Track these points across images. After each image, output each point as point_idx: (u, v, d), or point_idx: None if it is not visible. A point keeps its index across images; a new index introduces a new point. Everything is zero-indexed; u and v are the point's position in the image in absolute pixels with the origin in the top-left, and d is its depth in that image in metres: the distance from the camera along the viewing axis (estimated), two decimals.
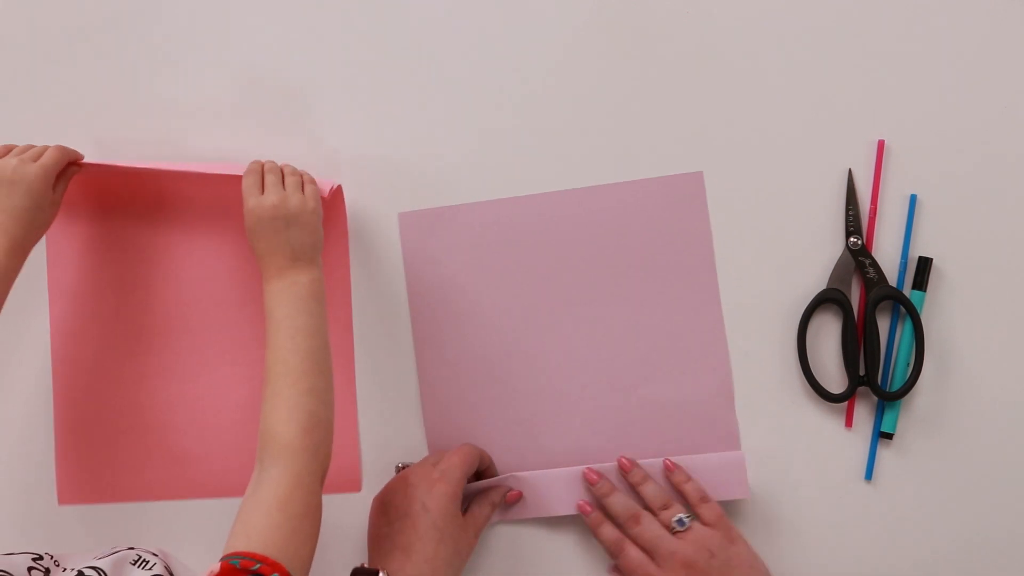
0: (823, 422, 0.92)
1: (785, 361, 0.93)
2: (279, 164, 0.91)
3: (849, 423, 0.92)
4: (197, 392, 0.95)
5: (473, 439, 0.93)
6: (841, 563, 0.92)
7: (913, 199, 0.92)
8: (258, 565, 0.71)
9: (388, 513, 0.85)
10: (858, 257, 0.92)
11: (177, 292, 0.96)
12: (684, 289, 0.93)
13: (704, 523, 0.88)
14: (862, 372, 0.91)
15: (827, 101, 0.93)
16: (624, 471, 0.91)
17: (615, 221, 0.94)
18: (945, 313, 0.92)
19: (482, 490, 0.92)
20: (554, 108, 0.95)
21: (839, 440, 0.92)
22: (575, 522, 0.93)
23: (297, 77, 0.96)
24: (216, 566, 0.71)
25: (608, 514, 0.90)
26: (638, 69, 0.95)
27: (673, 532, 0.87)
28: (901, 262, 0.92)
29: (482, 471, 0.91)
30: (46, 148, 0.89)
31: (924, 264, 0.92)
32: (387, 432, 0.94)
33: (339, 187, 0.94)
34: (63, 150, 0.89)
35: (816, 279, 0.93)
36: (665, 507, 0.89)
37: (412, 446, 0.94)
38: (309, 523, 0.76)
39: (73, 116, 0.97)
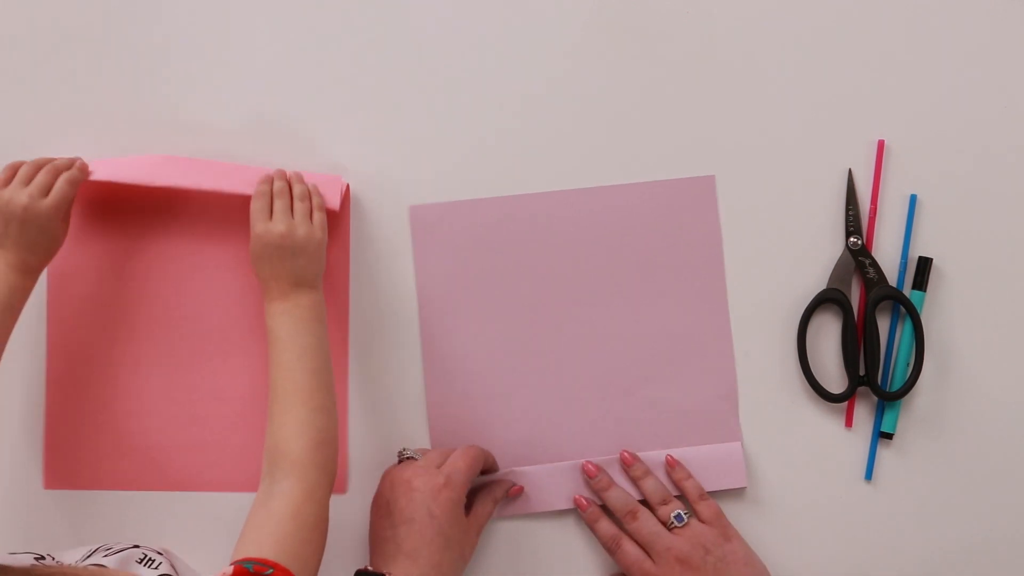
0: (823, 422, 0.92)
1: (785, 361, 0.93)
2: (289, 175, 0.91)
3: (849, 423, 0.92)
4: (191, 385, 0.95)
5: (477, 434, 0.93)
6: (841, 563, 0.92)
7: (913, 199, 0.92)
8: (270, 571, 0.73)
9: (392, 516, 0.85)
10: (858, 257, 0.92)
11: (176, 285, 0.96)
12: (692, 291, 0.93)
13: (702, 520, 0.89)
14: (862, 372, 0.91)
15: (827, 101, 0.93)
16: (626, 465, 0.91)
17: (625, 221, 0.94)
18: (945, 313, 0.92)
19: (483, 485, 0.92)
20: (563, 107, 0.95)
21: (839, 440, 0.92)
22: (574, 517, 0.93)
23: (306, 74, 0.96)
24: (228, 569, 0.72)
25: (606, 508, 0.91)
26: (638, 69, 0.95)
27: (670, 528, 0.88)
28: (901, 262, 0.92)
29: (484, 470, 0.91)
30: (54, 178, 0.88)
31: (924, 264, 0.92)
32: (391, 425, 0.94)
33: (347, 187, 0.94)
34: (72, 182, 0.89)
35: (816, 279, 0.93)
36: (664, 503, 0.89)
37: (416, 440, 0.93)
38: (319, 535, 0.79)
39: (74, 117, 0.97)
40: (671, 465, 0.91)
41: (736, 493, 0.92)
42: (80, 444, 0.95)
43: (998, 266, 0.92)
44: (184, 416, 0.95)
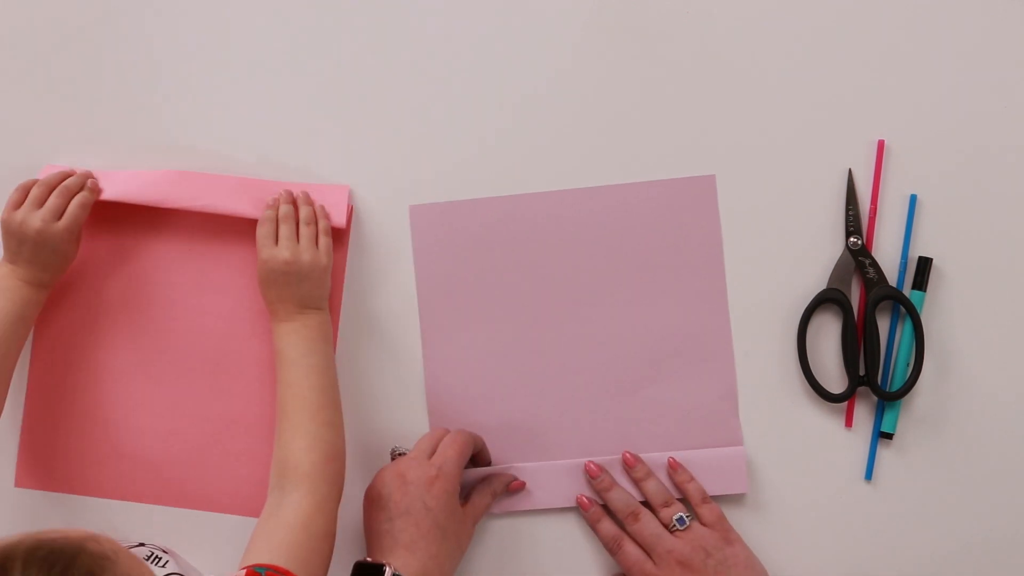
0: (823, 422, 0.92)
1: (785, 361, 0.93)
2: (296, 195, 0.92)
3: (849, 423, 0.92)
4: (173, 400, 0.95)
5: (477, 432, 0.92)
6: (841, 563, 0.92)
7: (913, 199, 0.92)
8: None
9: (388, 509, 0.85)
10: (858, 257, 0.92)
11: (165, 296, 0.96)
12: (692, 291, 0.93)
13: (703, 523, 0.89)
14: (862, 372, 0.91)
15: (827, 101, 0.93)
16: (628, 466, 0.91)
17: (625, 221, 0.94)
18: (945, 313, 0.92)
19: (482, 478, 0.92)
20: (563, 107, 0.95)
21: (839, 440, 0.92)
22: (572, 515, 0.93)
23: (306, 74, 0.96)
24: (240, 573, 0.73)
25: (607, 509, 0.91)
26: (638, 69, 0.95)
27: (672, 531, 0.88)
28: (901, 262, 0.92)
29: (475, 454, 0.91)
30: (67, 201, 0.90)
31: (924, 264, 0.92)
32: (391, 422, 0.94)
33: (348, 191, 0.95)
34: (84, 205, 0.91)
35: (816, 279, 0.93)
36: (666, 505, 0.89)
37: (416, 439, 0.93)
38: (327, 545, 0.81)
39: (74, 117, 0.97)
40: (673, 468, 0.91)
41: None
42: (56, 446, 0.95)
43: (998, 266, 0.92)
44: (164, 430, 0.95)
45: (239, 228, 0.94)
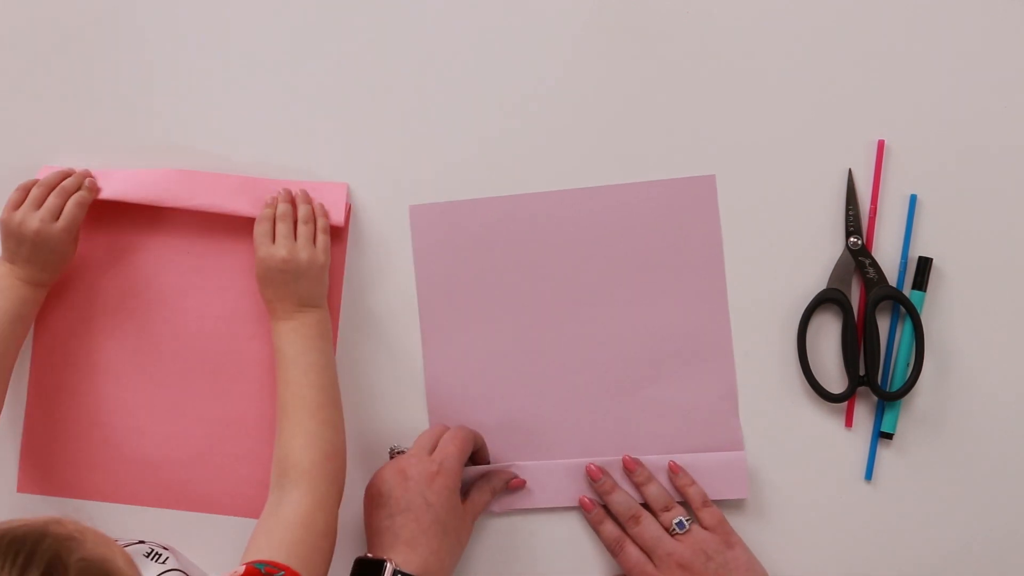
0: (823, 422, 0.92)
1: (785, 361, 0.93)
2: (295, 193, 0.92)
3: (849, 423, 0.92)
4: (173, 400, 0.95)
5: (477, 431, 0.92)
6: (841, 563, 0.92)
7: (913, 199, 0.92)
8: (281, 573, 0.75)
9: (388, 506, 0.85)
10: (858, 257, 0.92)
11: (164, 297, 0.95)
12: (692, 291, 0.93)
13: (704, 527, 0.89)
14: (862, 372, 0.91)
15: (827, 101, 0.93)
16: (628, 471, 0.91)
17: (625, 221, 0.94)
18: (945, 313, 0.92)
19: (481, 475, 0.92)
20: (563, 107, 0.95)
21: (839, 440, 0.92)
22: (573, 514, 0.93)
23: (306, 73, 0.96)
24: (240, 569, 0.73)
25: (608, 511, 0.91)
26: (638, 69, 0.95)
27: (672, 534, 0.88)
28: (901, 262, 0.92)
29: (474, 452, 0.92)
30: (64, 201, 0.90)
31: (924, 264, 0.92)
32: (391, 421, 0.94)
33: (347, 190, 0.95)
34: (82, 204, 0.91)
35: (816, 279, 0.93)
36: (666, 509, 0.89)
37: (417, 436, 0.93)
38: (328, 543, 0.81)
39: (73, 117, 0.97)
40: (674, 471, 0.91)
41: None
42: (58, 451, 0.95)
43: (998, 266, 0.92)
44: (165, 432, 0.95)
45: (239, 228, 0.94)
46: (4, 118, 0.98)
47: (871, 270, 0.91)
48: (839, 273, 0.92)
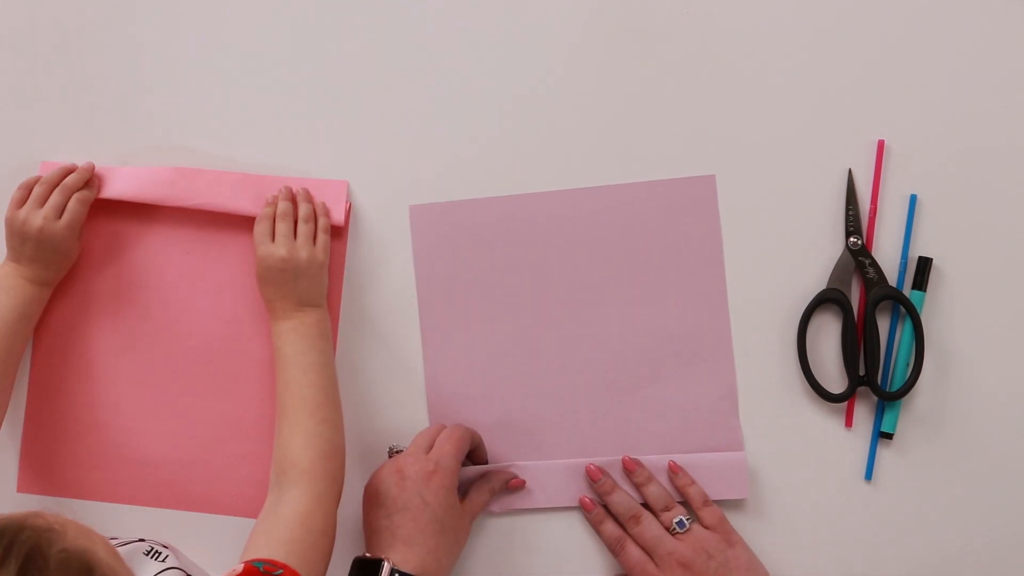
0: (823, 422, 0.92)
1: (785, 361, 0.93)
2: (296, 191, 0.92)
3: (849, 423, 0.92)
4: (172, 400, 0.95)
5: (477, 431, 0.93)
6: (841, 563, 0.92)
7: (913, 199, 0.92)
8: (280, 572, 0.75)
9: (386, 505, 0.85)
10: (858, 257, 0.92)
11: (165, 298, 0.96)
12: (692, 291, 0.93)
13: (705, 526, 0.89)
14: (862, 372, 0.91)
15: (827, 101, 0.93)
16: (628, 471, 0.91)
17: (625, 221, 0.94)
18: (945, 313, 0.92)
19: (481, 475, 0.92)
20: (563, 107, 0.95)
21: (839, 440, 0.92)
22: (573, 514, 0.93)
23: (306, 73, 0.96)
24: (239, 567, 0.73)
25: (609, 511, 0.91)
26: (638, 69, 0.95)
27: (673, 533, 0.88)
28: (901, 262, 0.92)
29: (472, 451, 0.92)
30: (67, 198, 0.91)
31: (924, 264, 0.92)
32: (391, 421, 0.94)
33: (347, 188, 0.94)
34: (84, 201, 0.92)
35: (816, 279, 0.93)
36: (666, 509, 0.89)
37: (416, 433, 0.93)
38: (327, 542, 0.81)
39: (74, 117, 0.97)
40: (674, 471, 0.91)
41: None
42: (57, 451, 0.95)
43: (998, 266, 0.92)
44: (165, 432, 0.95)
45: (240, 227, 0.94)
46: (4, 118, 0.98)
47: (871, 270, 0.91)
48: (839, 273, 0.92)
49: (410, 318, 0.95)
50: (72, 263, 0.94)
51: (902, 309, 0.91)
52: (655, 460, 0.92)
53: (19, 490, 0.96)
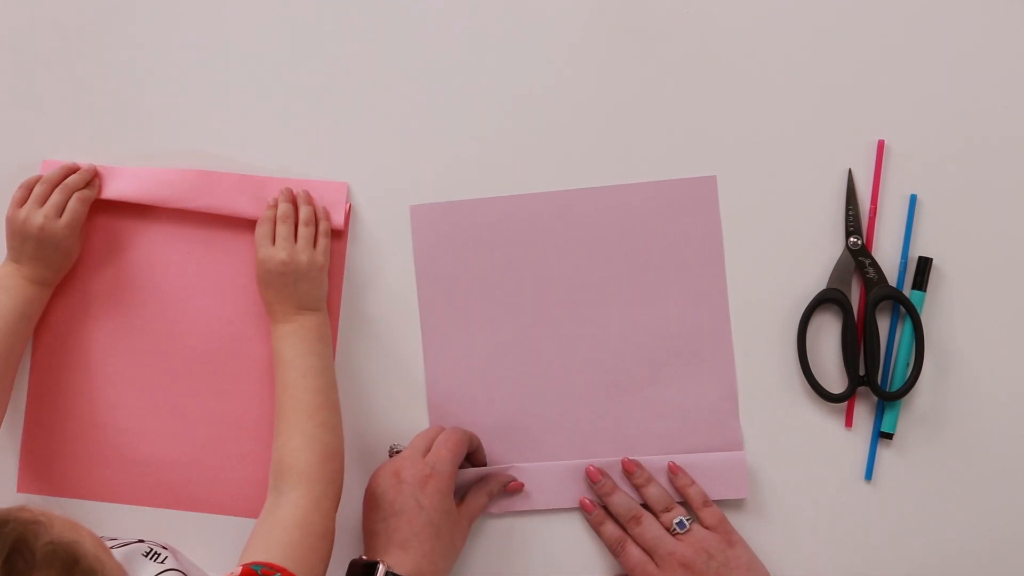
0: (823, 422, 0.92)
1: (785, 361, 0.93)
2: (297, 193, 0.93)
3: (849, 423, 0.92)
4: (172, 401, 0.95)
5: (477, 431, 0.92)
6: (841, 563, 0.92)
7: (913, 199, 0.92)
8: (277, 575, 0.74)
9: (382, 508, 0.85)
10: (858, 257, 0.92)
11: (165, 298, 0.95)
12: (692, 291, 0.93)
13: (705, 526, 0.89)
14: (862, 372, 0.91)
15: (827, 101, 0.93)
16: (628, 473, 0.91)
17: (626, 221, 0.94)
18: (945, 313, 0.92)
19: (478, 478, 0.92)
20: (564, 107, 0.95)
21: (839, 440, 0.92)
22: (574, 515, 0.93)
23: (307, 73, 0.96)
24: (237, 570, 0.73)
25: (609, 512, 0.91)
26: (638, 69, 0.95)
27: (673, 534, 0.88)
28: (901, 262, 0.92)
29: (470, 453, 0.92)
30: (68, 198, 0.91)
31: (924, 264, 0.92)
32: (392, 421, 0.94)
33: (347, 193, 0.95)
34: (85, 201, 0.92)
35: (816, 279, 0.93)
36: (667, 510, 0.89)
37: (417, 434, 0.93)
38: (325, 545, 0.81)
39: (74, 117, 0.97)
40: (674, 472, 0.91)
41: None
42: (57, 451, 0.95)
43: (998, 266, 0.92)
44: (165, 433, 0.95)
45: (240, 228, 0.94)
46: (4, 118, 0.98)
47: (871, 270, 0.91)
48: (839, 273, 0.92)
49: (410, 318, 0.95)
50: (72, 263, 0.93)
51: (902, 309, 0.91)
52: (655, 460, 0.92)
53: (19, 490, 0.96)
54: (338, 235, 0.95)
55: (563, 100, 0.95)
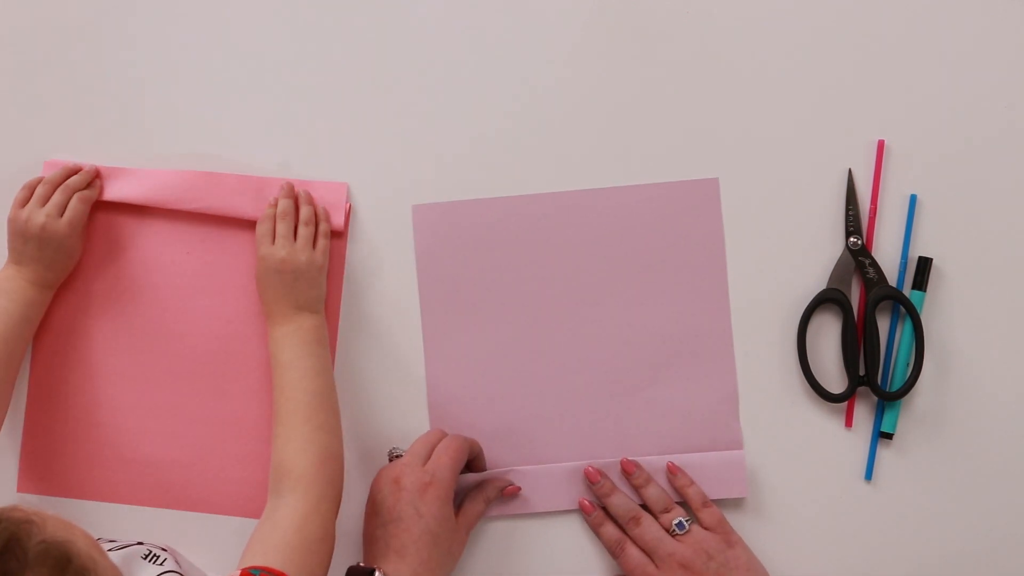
0: (823, 422, 0.92)
1: (785, 361, 0.93)
2: (298, 192, 0.93)
3: (849, 423, 0.92)
4: (172, 401, 0.95)
5: (478, 434, 0.93)
6: (841, 563, 0.92)
7: (913, 199, 0.92)
8: None
9: (381, 515, 0.85)
10: (858, 257, 0.92)
11: (165, 298, 0.95)
12: (693, 292, 0.93)
13: (705, 527, 0.89)
14: (862, 372, 0.91)
15: (827, 101, 0.93)
16: (627, 473, 0.91)
17: (628, 223, 0.94)
18: (945, 313, 0.92)
19: (476, 484, 0.92)
20: (565, 108, 0.95)
21: (839, 440, 0.92)
22: (573, 517, 0.93)
23: (307, 73, 0.96)
24: (236, 573, 0.73)
25: (608, 513, 0.91)
26: (639, 70, 0.95)
27: (672, 535, 0.88)
28: (901, 262, 0.92)
29: (470, 460, 0.91)
30: (69, 198, 0.91)
31: (924, 264, 0.92)
32: (392, 423, 0.94)
33: (347, 193, 0.95)
34: (86, 201, 0.92)
35: (816, 279, 0.93)
36: (666, 511, 0.89)
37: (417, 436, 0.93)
38: (324, 548, 0.81)
39: (74, 117, 0.97)
40: (673, 472, 0.91)
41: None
42: (57, 451, 0.95)
43: (998, 266, 0.92)
44: (164, 433, 0.95)
45: (240, 228, 0.94)
46: (4, 118, 0.98)
47: (871, 270, 0.91)
48: (839, 273, 0.92)
49: (412, 318, 0.95)
50: (74, 264, 0.94)
51: (902, 309, 0.91)
52: (655, 461, 0.92)
53: (19, 490, 0.96)
54: (338, 235, 0.95)
55: (563, 100, 0.95)
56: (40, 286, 0.91)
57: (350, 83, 0.96)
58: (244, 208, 0.93)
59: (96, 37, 0.97)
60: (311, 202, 0.93)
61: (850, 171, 0.93)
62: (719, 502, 0.91)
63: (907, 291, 0.92)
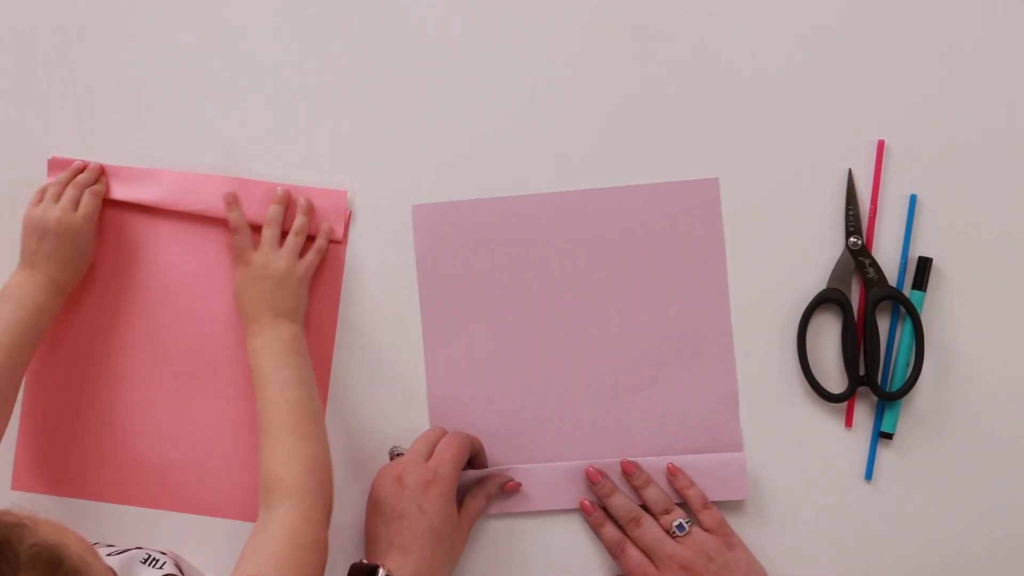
0: (823, 422, 0.92)
1: (785, 361, 0.93)
2: (298, 201, 0.93)
3: (849, 423, 0.92)
4: (171, 402, 0.95)
5: (478, 433, 0.93)
6: (841, 563, 0.92)
7: (913, 199, 0.92)
8: None
9: (384, 513, 0.85)
10: (858, 257, 0.92)
11: (164, 299, 0.95)
12: (693, 292, 0.93)
13: (705, 529, 0.89)
14: (862, 372, 0.91)
15: (827, 101, 0.93)
16: (627, 474, 0.91)
17: (628, 223, 0.94)
18: (945, 313, 0.92)
19: (477, 480, 0.92)
20: (565, 108, 0.95)
21: (839, 440, 0.92)
22: (573, 516, 0.93)
23: (308, 74, 0.96)
24: None
25: (609, 514, 0.91)
26: (639, 70, 0.95)
27: (673, 536, 0.88)
28: (901, 262, 0.92)
29: (472, 457, 0.92)
30: (81, 192, 0.92)
31: (924, 264, 0.92)
32: (393, 422, 0.94)
33: (346, 200, 0.95)
34: (97, 194, 0.93)
35: (816, 279, 0.93)
36: (666, 512, 0.89)
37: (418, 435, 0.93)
38: (317, 556, 0.80)
39: (74, 117, 0.97)
40: (673, 473, 0.91)
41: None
42: (53, 449, 0.95)
43: (998, 266, 0.92)
44: (163, 434, 0.95)
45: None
46: (4, 118, 0.98)
47: (871, 270, 0.91)
48: (839, 273, 0.92)
49: (412, 318, 0.95)
50: (87, 266, 0.93)
51: (902, 309, 0.91)
52: (655, 461, 0.92)
53: (14, 487, 0.95)
54: (336, 242, 0.95)
55: (563, 100, 0.95)
56: (51, 291, 0.90)
57: (350, 83, 0.96)
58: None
59: (96, 37, 0.98)
60: (311, 214, 0.93)
61: (850, 171, 0.93)
62: (719, 504, 0.91)
63: (907, 291, 0.92)
